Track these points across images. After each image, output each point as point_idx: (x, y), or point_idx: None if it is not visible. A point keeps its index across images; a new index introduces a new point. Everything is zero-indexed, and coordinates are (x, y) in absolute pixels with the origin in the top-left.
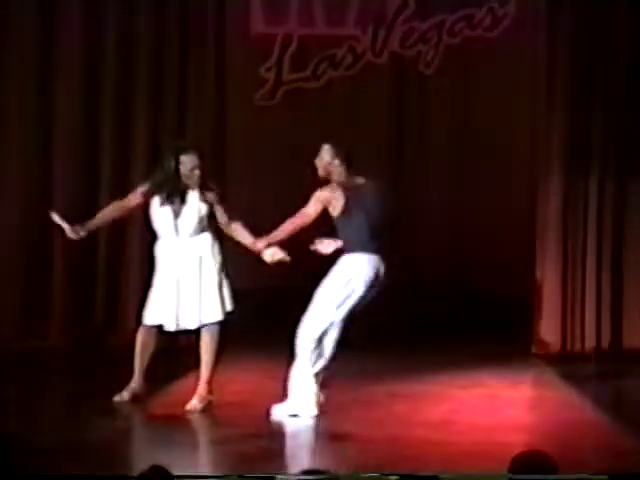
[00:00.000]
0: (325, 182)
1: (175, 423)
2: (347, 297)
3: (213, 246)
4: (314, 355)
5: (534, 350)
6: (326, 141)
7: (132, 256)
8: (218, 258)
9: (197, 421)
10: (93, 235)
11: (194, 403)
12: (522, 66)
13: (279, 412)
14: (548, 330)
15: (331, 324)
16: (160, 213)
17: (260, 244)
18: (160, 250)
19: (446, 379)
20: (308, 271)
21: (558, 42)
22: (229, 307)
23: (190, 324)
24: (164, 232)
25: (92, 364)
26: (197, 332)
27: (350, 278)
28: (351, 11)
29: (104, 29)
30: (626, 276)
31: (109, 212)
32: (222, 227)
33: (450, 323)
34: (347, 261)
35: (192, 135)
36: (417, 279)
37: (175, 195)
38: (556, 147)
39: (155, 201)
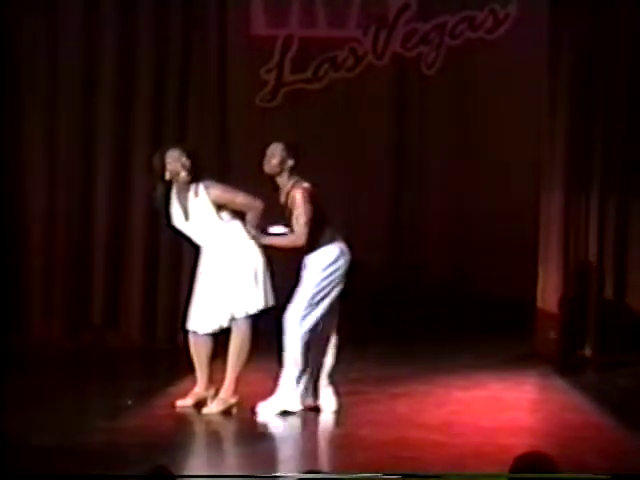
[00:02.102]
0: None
1: (176, 424)
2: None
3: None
4: (304, 352)
5: (536, 351)
6: (327, 142)
7: (133, 255)
8: (253, 252)
9: (198, 423)
10: (92, 234)
11: (211, 407)
12: (523, 68)
13: (264, 409)
14: (550, 330)
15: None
16: (175, 219)
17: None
18: (200, 256)
19: (447, 381)
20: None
21: (560, 44)
22: (261, 304)
23: (222, 321)
24: (186, 235)
25: (92, 364)
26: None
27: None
28: (352, 13)
29: (104, 30)
30: (629, 278)
31: None
32: (229, 203)
33: (451, 324)
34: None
35: (193, 136)
36: (418, 280)
37: (177, 194)
38: (558, 147)
39: (170, 212)
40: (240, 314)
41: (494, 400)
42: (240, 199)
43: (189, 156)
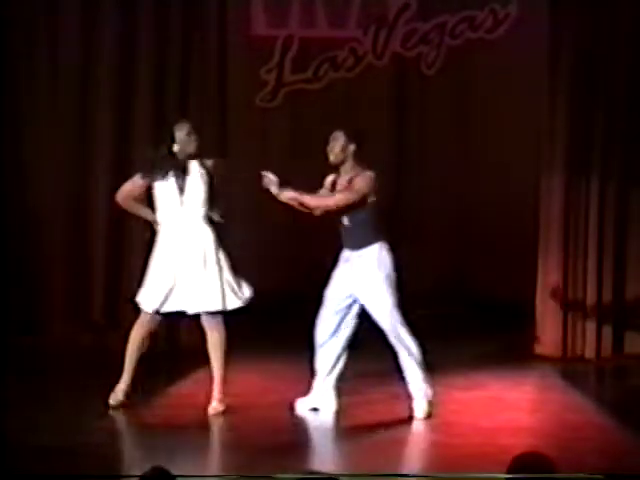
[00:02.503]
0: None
1: (177, 426)
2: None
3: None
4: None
5: (536, 351)
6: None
7: (133, 255)
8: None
9: (198, 424)
10: (93, 234)
11: (215, 406)
12: (523, 68)
13: (301, 406)
14: (550, 331)
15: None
16: (164, 192)
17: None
18: (164, 233)
19: (447, 381)
20: (310, 276)
21: (560, 43)
22: (238, 300)
23: (190, 307)
24: (169, 213)
25: (92, 364)
26: (202, 330)
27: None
28: (352, 13)
29: (104, 30)
30: (628, 277)
31: (137, 208)
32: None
33: (451, 324)
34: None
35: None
36: (417, 279)
37: (175, 168)
38: (559, 147)
39: (158, 184)
40: (210, 307)
41: (494, 400)
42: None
43: (196, 131)
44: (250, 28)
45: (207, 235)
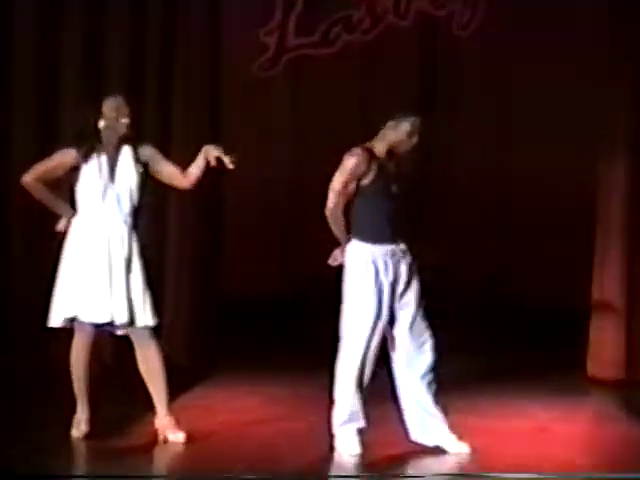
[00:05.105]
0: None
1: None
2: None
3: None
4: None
5: (590, 373)
6: (339, 119)
7: None
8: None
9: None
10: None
11: (172, 437)
12: (573, 28)
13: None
14: (609, 348)
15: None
16: (84, 181)
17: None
18: (80, 230)
19: (484, 407)
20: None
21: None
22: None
23: (120, 317)
24: (89, 207)
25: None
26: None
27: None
28: None
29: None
30: None
31: (48, 195)
32: (178, 184)
33: (487, 338)
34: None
35: (180, 109)
36: (446, 283)
37: (99, 151)
38: (621, 131)
39: (83, 168)
40: (144, 322)
41: (539, 433)
42: (171, 169)
43: (131, 110)
44: None
45: (131, 239)
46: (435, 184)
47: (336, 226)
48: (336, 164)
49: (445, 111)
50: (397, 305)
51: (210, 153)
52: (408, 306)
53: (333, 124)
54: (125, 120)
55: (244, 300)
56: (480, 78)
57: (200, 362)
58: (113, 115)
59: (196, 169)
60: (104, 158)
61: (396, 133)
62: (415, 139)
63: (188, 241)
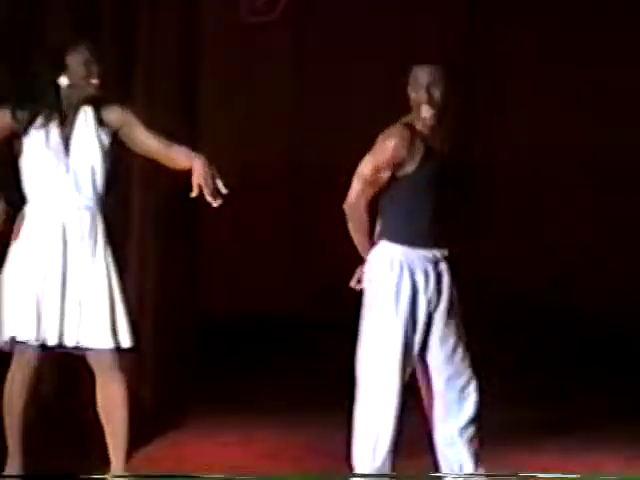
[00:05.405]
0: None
1: None
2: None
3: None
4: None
5: None
6: (344, 81)
7: None
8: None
9: None
10: None
11: None
12: None
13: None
14: None
15: None
16: (31, 152)
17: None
18: (32, 223)
19: (542, 463)
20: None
21: None
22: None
23: (69, 339)
24: (38, 186)
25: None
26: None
27: None
28: None
29: None
30: None
31: None
32: (153, 154)
33: (561, 365)
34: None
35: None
36: (503, 293)
37: (51, 115)
38: None
39: (28, 139)
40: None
41: None
42: (151, 140)
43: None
44: None
45: (94, 233)
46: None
47: (356, 225)
48: (353, 146)
49: (489, 58)
50: (434, 332)
51: (198, 176)
52: (448, 335)
53: (347, 90)
54: (95, 80)
55: (225, 320)
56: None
57: (172, 399)
58: (80, 71)
59: (185, 159)
60: (55, 124)
61: (414, 90)
62: (438, 93)
63: (153, 239)
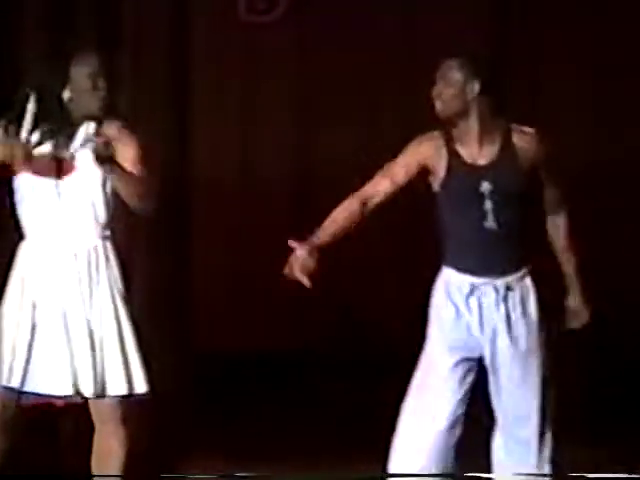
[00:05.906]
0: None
1: None
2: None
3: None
4: None
5: None
6: (344, 80)
7: None
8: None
9: None
10: None
11: None
12: None
13: None
14: None
15: None
16: (32, 179)
17: None
18: (27, 256)
19: None
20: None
21: None
22: (141, 384)
23: (87, 388)
24: (31, 216)
25: None
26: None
27: None
28: None
29: None
30: None
31: None
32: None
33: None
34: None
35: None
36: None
37: (60, 133)
38: None
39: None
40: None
41: None
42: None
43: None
44: None
45: (95, 267)
46: None
47: (339, 208)
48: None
49: (522, 45)
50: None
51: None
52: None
53: (347, 90)
54: (102, 93)
55: (222, 359)
56: None
57: (165, 452)
58: (84, 84)
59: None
60: (49, 144)
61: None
62: (471, 87)
63: (142, 266)
